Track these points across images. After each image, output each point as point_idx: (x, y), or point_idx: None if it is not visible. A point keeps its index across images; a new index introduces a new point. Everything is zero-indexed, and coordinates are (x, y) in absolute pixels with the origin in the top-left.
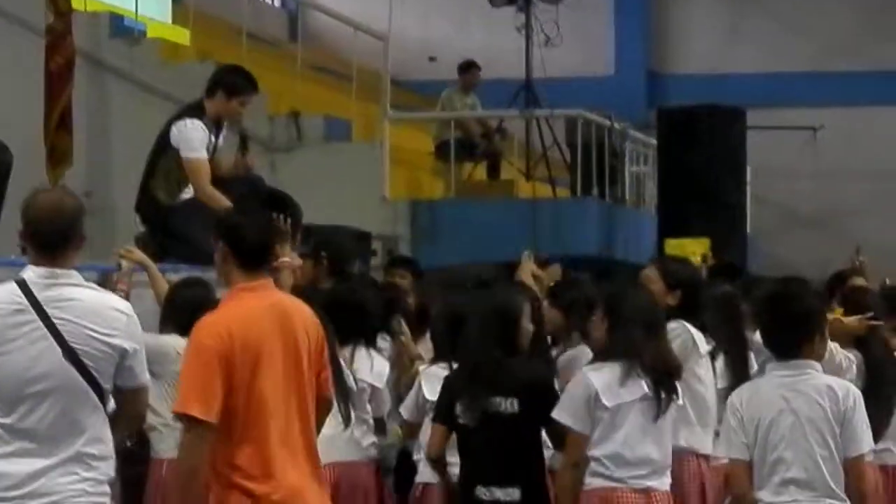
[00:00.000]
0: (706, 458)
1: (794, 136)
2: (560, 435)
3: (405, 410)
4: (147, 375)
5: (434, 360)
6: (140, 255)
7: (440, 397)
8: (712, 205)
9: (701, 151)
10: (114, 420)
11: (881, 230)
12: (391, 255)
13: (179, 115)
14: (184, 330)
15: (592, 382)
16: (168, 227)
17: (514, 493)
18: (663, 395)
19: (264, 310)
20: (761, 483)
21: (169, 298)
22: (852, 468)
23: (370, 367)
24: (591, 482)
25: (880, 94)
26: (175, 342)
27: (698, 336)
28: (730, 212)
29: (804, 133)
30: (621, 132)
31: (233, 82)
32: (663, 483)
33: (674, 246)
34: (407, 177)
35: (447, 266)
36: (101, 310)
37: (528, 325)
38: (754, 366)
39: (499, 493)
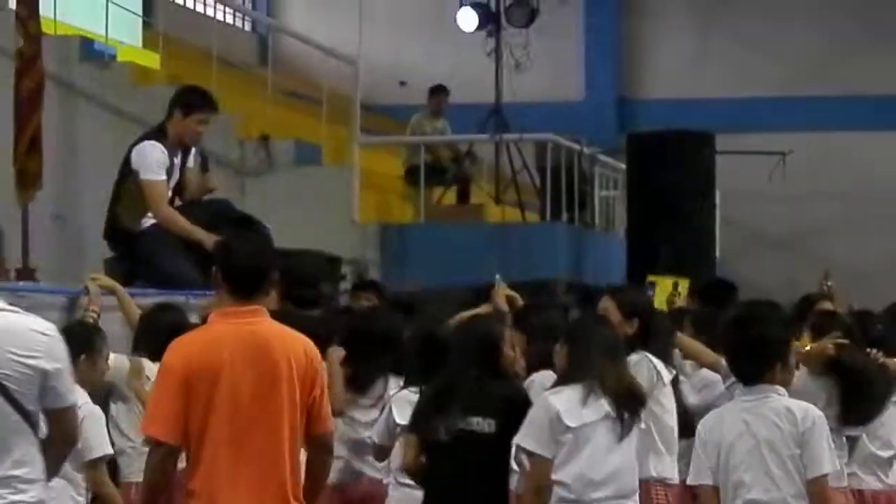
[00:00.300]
0: (673, 486)
1: (764, 160)
2: None
3: (376, 434)
4: (74, 396)
5: (405, 385)
6: (108, 280)
7: (416, 409)
8: (681, 229)
9: (670, 176)
10: (47, 443)
11: (849, 253)
12: (360, 278)
13: (140, 139)
14: (155, 354)
15: (553, 404)
16: (135, 252)
17: None
18: (626, 417)
19: (236, 336)
20: None
21: (142, 323)
22: (813, 489)
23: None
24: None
25: (848, 119)
26: (145, 366)
27: (660, 365)
28: (699, 235)
29: (774, 157)
30: (591, 157)
31: (187, 100)
32: None
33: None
34: (377, 201)
35: (417, 290)
36: (20, 332)
37: (509, 352)
38: (719, 389)
39: None
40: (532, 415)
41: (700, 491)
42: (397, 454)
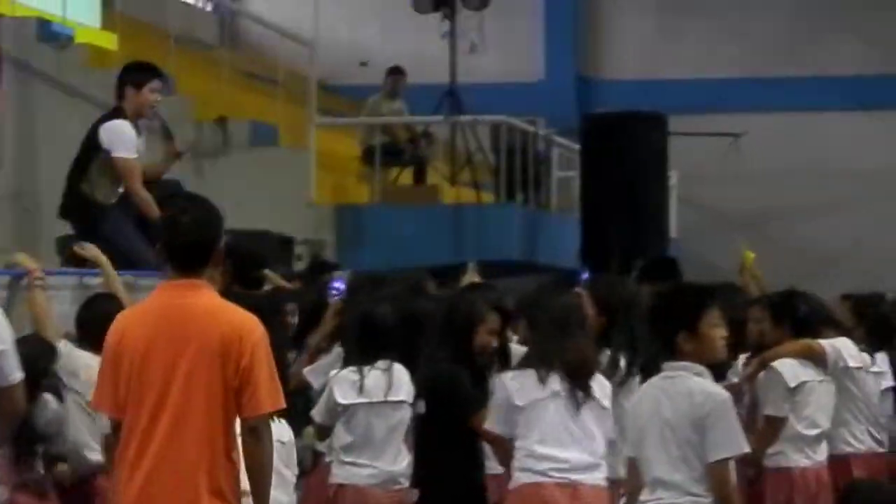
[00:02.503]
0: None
1: (723, 141)
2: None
3: (317, 414)
4: (20, 374)
5: (344, 365)
6: (95, 251)
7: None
8: (634, 210)
9: (622, 157)
10: None
11: (808, 233)
12: (316, 259)
13: (103, 119)
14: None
15: (507, 385)
16: (97, 230)
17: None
18: (579, 393)
19: (165, 310)
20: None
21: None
22: (711, 473)
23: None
24: (519, 477)
25: (804, 99)
26: (88, 360)
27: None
28: (652, 217)
29: (728, 138)
30: (546, 138)
31: (137, 74)
32: (594, 478)
33: None
34: (333, 182)
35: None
36: None
37: (484, 336)
38: None
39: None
40: (493, 398)
41: (629, 462)
42: (339, 432)
